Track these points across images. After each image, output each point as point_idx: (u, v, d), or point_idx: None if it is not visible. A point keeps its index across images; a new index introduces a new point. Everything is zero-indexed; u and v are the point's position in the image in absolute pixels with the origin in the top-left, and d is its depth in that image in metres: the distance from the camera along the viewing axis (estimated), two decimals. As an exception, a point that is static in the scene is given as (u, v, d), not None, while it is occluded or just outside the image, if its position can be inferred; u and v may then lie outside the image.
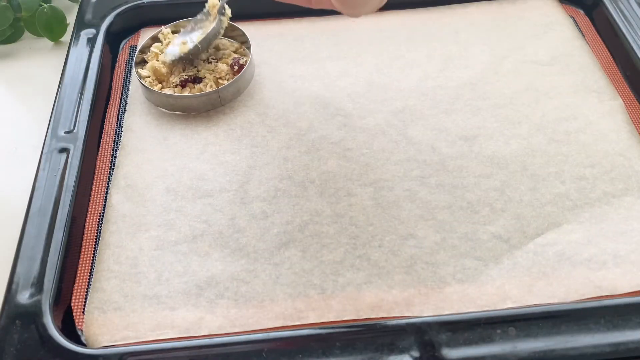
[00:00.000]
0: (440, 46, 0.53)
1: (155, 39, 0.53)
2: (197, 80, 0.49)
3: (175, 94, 0.48)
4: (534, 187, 0.42)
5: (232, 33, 0.54)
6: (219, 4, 0.50)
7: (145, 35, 0.55)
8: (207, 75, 0.49)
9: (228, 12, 0.50)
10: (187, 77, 0.49)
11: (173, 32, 0.53)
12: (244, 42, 0.53)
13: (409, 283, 0.38)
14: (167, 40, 0.52)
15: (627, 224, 0.40)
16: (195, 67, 0.50)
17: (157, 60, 0.51)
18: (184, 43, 0.49)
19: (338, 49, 0.54)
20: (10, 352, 0.34)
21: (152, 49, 0.52)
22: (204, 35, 0.49)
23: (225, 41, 0.53)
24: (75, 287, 0.39)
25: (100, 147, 0.47)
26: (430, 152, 0.45)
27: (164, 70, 0.49)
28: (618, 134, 0.45)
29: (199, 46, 0.49)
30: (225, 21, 0.50)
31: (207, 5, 0.50)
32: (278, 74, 0.52)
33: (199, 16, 0.51)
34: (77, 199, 0.42)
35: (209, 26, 0.50)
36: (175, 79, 0.49)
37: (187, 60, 0.50)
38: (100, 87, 0.50)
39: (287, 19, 0.57)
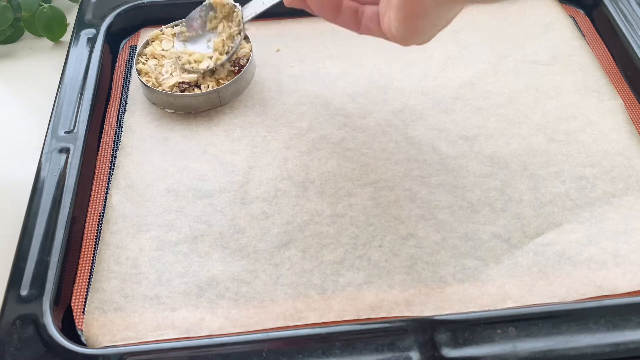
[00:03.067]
0: (440, 46, 0.53)
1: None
2: (196, 86, 0.49)
3: (176, 93, 0.48)
4: (534, 187, 0.42)
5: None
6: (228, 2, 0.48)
7: (145, 35, 0.55)
8: (207, 76, 0.49)
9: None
10: (186, 86, 0.48)
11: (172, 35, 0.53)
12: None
13: (409, 283, 0.38)
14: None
15: (627, 224, 0.40)
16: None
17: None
18: (212, 54, 0.48)
19: (338, 49, 0.54)
20: (10, 352, 0.34)
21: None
22: (231, 44, 0.48)
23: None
24: (75, 287, 0.39)
25: (100, 147, 0.47)
26: (431, 151, 0.45)
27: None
28: (618, 133, 0.45)
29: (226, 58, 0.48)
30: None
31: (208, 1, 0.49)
32: (278, 74, 0.52)
33: (198, 14, 0.50)
34: (77, 199, 0.42)
35: (224, 29, 0.48)
36: (175, 89, 0.48)
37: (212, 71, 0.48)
38: (100, 87, 0.50)
39: (287, 19, 0.57)
